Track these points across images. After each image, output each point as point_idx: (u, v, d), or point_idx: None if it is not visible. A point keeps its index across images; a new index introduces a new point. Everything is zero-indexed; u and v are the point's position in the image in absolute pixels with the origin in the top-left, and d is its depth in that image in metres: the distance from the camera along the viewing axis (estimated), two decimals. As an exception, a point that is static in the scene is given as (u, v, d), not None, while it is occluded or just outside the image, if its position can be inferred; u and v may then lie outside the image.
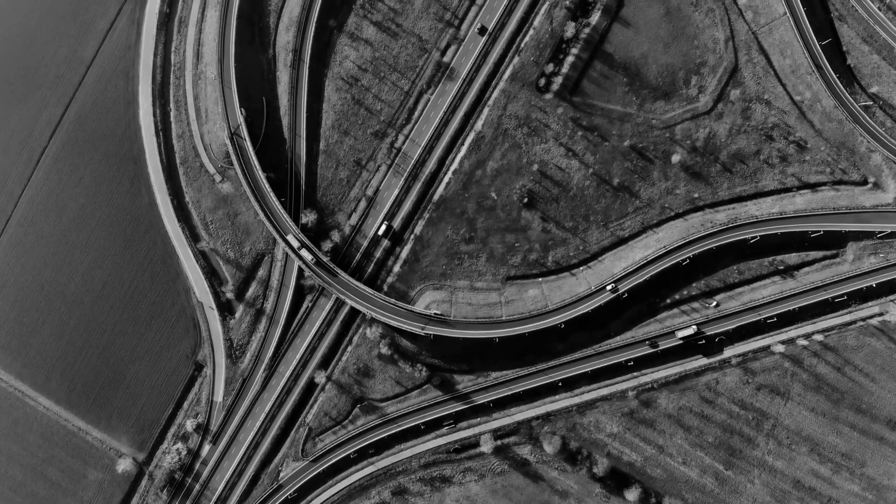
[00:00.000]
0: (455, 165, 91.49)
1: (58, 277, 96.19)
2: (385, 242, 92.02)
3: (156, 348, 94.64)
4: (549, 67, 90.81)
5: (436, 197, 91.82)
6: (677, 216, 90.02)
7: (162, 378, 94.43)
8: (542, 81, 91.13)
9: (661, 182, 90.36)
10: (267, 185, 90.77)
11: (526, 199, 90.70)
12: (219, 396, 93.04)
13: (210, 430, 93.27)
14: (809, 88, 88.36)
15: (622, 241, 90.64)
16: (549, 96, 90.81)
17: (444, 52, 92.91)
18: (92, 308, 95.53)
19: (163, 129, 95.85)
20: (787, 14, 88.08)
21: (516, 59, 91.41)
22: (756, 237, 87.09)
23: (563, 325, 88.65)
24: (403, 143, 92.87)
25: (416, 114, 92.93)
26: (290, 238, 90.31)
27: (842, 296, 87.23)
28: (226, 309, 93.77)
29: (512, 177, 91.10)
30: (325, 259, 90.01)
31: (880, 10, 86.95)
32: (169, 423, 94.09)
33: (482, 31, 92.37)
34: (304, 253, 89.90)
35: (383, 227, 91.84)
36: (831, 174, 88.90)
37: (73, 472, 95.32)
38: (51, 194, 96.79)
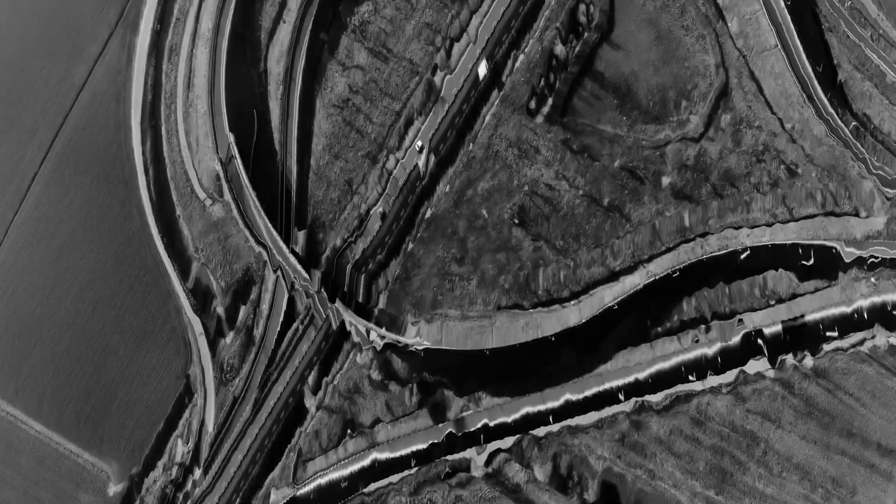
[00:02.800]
0: (446, 185, 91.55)
1: (49, 300, 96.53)
2: (377, 259, 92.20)
3: (146, 369, 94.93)
4: (540, 89, 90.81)
5: (427, 216, 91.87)
6: (668, 250, 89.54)
7: (153, 400, 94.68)
8: (533, 103, 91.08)
9: (652, 204, 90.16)
10: (260, 210, 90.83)
11: (517, 219, 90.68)
12: (209, 421, 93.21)
13: (200, 454, 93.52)
14: (801, 115, 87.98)
15: (613, 276, 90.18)
16: (539, 118, 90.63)
17: (434, 75, 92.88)
18: (83, 329, 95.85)
19: (154, 152, 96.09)
20: (779, 46, 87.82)
21: (507, 81, 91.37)
22: (747, 251, 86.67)
23: (553, 338, 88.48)
24: (395, 164, 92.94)
25: (408, 137, 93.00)
26: (373, 338, 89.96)
27: (833, 322, 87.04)
28: (216, 332, 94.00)
29: (503, 196, 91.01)
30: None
31: (872, 38, 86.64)
32: (159, 446, 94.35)
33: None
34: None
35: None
36: (822, 201, 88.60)
37: (65, 495, 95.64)
38: (41, 218, 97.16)
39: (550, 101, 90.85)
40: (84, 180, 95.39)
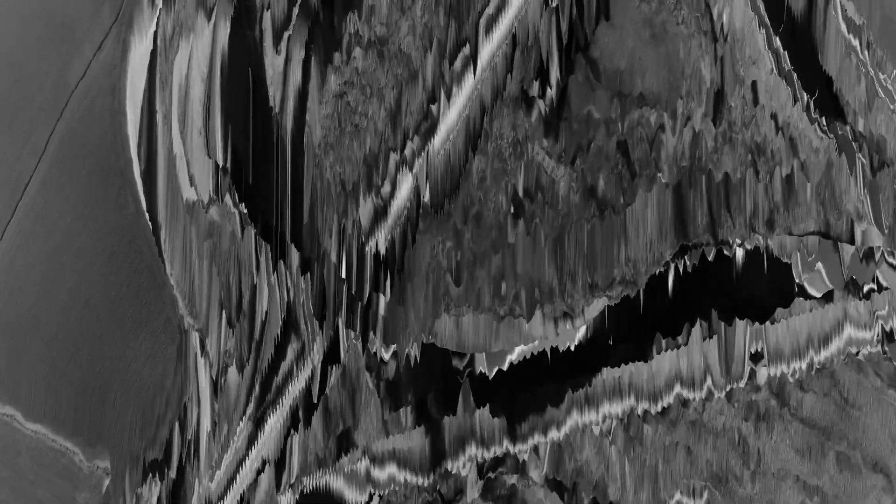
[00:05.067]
0: (445, 182, 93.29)
1: (46, 296, 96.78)
2: (376, 261, 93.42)
3: (142, 359, 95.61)
4: (535, 84, 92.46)
5: (421, 210, 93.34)
6: (662, 256, 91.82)
7: (150, 392, 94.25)
8: (527, 96, 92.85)
9: (647, 202, 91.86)
10: (257, 204, 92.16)
11: (512, 212, 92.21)
12: (204, 429, 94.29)
13: (200, 453, 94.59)
14: (797, 124, 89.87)
15: (609, 285, 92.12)
16: (533, 110, 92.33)
17: (436, 73, 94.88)
18: (79, 322, 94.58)
19: (149, 142, 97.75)
20: (773, 56, 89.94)
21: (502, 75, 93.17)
22: (742, 258, 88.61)
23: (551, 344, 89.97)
24: (398, 157, 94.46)
25: (408, 137, 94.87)
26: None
27: (829, 333, 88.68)
28: (218, 327, 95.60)
29: (498, 189, 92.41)
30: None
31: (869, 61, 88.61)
32: (156, 441, 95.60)
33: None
34: None
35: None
36: (818, 210, 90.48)
37: (63, 493, 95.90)
38: (39, 216, 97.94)
39: (546, 91, 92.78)
40: (80, 175, 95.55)
